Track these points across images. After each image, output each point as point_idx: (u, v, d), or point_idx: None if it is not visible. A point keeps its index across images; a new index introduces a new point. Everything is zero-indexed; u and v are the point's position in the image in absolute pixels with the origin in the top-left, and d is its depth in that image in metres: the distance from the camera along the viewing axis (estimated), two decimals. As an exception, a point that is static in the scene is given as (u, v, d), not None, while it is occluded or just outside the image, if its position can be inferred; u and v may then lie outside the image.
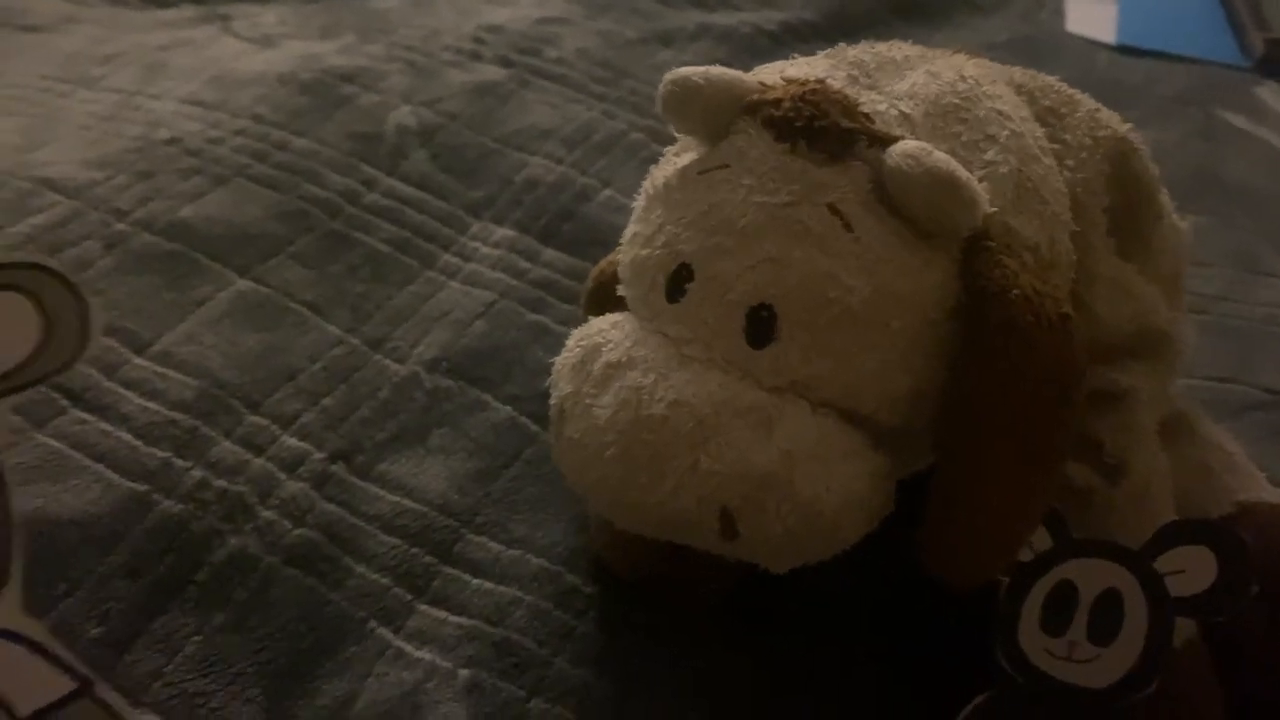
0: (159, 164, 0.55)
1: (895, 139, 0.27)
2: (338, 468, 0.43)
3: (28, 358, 0.24)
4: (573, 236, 0.56)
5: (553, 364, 0.49)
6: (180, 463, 0.41)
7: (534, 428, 0.46)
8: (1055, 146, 0.33)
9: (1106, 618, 0.32)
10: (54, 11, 0.73)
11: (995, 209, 0.28)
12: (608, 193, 0.59)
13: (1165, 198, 0.37)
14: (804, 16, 0.80)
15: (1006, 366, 0.25)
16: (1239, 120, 0.75)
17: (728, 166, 0.28)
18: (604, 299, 0.45)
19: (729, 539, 0.27)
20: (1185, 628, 0.34)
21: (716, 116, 0.29)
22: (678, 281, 0.28)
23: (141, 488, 0.39)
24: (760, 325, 0.27)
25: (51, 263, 0.23)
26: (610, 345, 0.28)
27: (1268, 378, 0.52)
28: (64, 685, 0.24)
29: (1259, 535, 0.37)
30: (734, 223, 0.27)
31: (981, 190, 0.27)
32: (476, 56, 0.69)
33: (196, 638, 0.36)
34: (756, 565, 0.39)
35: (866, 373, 0.27)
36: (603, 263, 0.47)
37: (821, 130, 0.27)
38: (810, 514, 0.26)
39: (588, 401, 0.28)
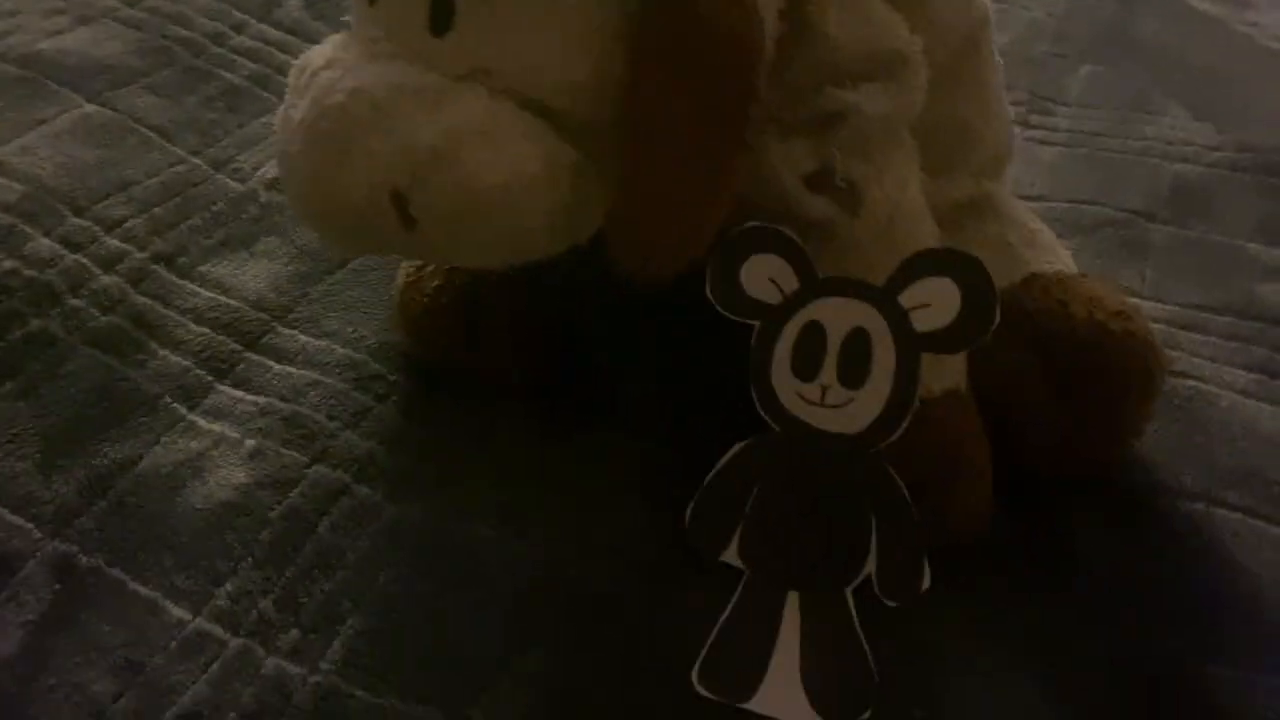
0: (24, 3, 0.55)
1: None
2: (158, 267, 0.43)
3: None
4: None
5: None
6: (-7, 256, 0.41)
7: (368, 242, 0.46)
8: None
9: (856, 359, 0.32)
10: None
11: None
12: None
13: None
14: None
15: (679, 28, 0.24)
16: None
17: None
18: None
19: (408, 228, 0.26)
20: (948, 375, 0.34)
21: None
22: (374, -18, 0.28)
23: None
24: (440, 11, 0.26)
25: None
26: (317, 55, 0.28)
27: (1128, 201, 0.51)
28: None
29: (1042, 296, 0.36)
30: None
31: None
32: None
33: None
34: (554, 357, 0.40)
35: (544, 55, 0.26)
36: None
37: None
38: (476, 190, 0.26)
39: (290, 112, 0.28)
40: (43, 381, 0.38)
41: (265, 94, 0.53)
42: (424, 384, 0.40)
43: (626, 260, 0.27)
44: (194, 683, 0.30)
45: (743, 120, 0.25)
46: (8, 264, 0.41)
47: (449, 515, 0.35)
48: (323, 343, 0.41)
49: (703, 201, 0.26)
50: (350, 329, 0.42)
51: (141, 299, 0.42)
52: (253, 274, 0.44)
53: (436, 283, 0.38)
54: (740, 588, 0.33)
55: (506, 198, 0.26)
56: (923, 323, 0.31)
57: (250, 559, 0.34)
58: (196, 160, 0.49)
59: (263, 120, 0.52)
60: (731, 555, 0.33)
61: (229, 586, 0.33)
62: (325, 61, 0.28)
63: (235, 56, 0.55)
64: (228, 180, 0.48)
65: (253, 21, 0.58)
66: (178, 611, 0.32)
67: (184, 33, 0.56)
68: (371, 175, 0.26)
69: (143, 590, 0.33)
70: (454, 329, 0.38)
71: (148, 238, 0.44)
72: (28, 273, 0.41)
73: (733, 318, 0.32)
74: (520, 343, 0.38)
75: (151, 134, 0.49)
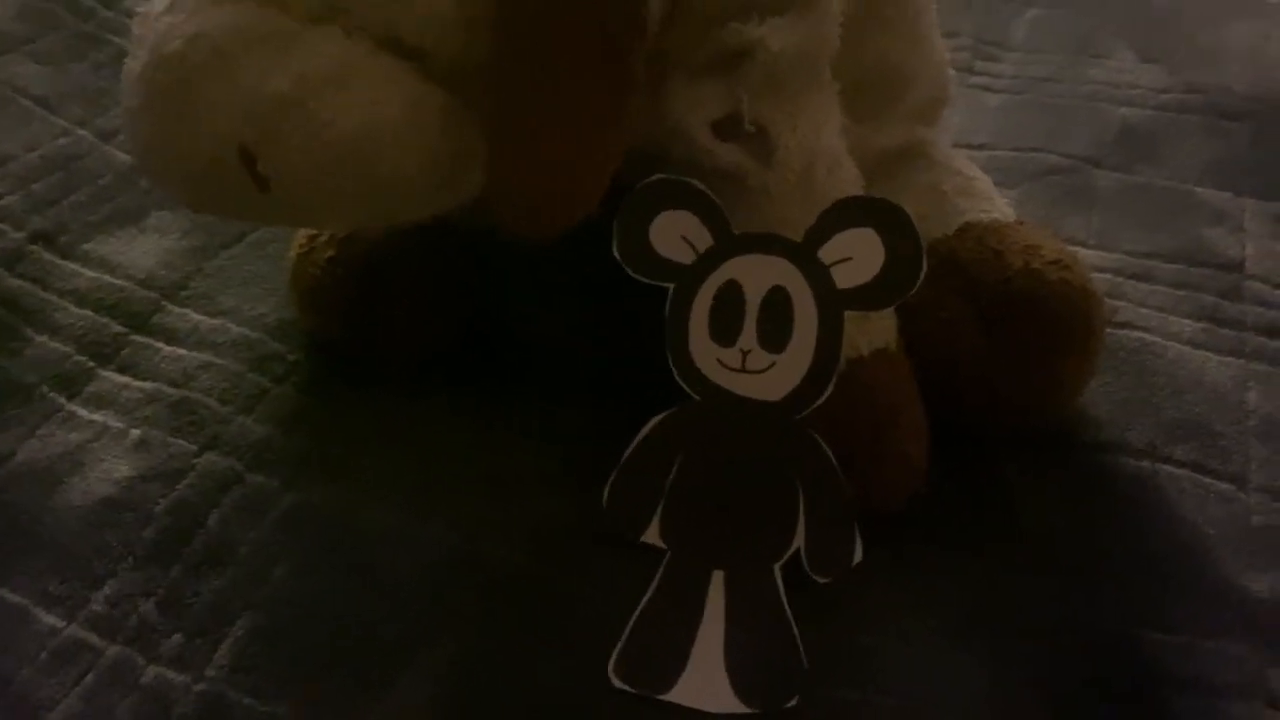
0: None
1: None
2: (36, 247, 0.40)
3: None
4: None
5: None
6: None
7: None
8: None
9: (777, 320, 0.30)
10: None
11: None
12: None
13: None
14: None
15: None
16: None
17: None
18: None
19: (261, 188, 0.24)
20: (877, 333, 0.31)
21: None
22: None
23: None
24: None
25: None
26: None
27: (1074, 147, 0.49)
28: None
29: (976, 246, 0.34)
30: None
31: None
32: None
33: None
34: (460, 329, 0.37)
35: None
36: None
37: None
38: (329, 139, 0.23)
39: (131, 64, 0.25)
40: (-97, 374, 0.35)
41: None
42: (325, 363, 0.37)
43: (508, 217, 0.25)
44: (65, 696, 0.28)
45: (631, 54, 0.23)
46: None
47: (351, 503, 0.33)
48: (217, 321, 0.38)
49: (589, 150, 0.24)
50: (248, 306, 0.39)
51: (17, 282, 0.39)
52: (142, 250, 0.41)
53: (329, 253, 0.35)
54: (661, 570, 0.30)
55: (364, 146, 0.24)
56: (845, 278, 0.29)
57: (131, 558, 0.31)
58: (82, 132, 0.45)
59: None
60: (653, 535, 0.31)
61: (106, 590, 0.30)
62: (167, 5, 0.25)
63: (128, 20, 0.51)
64: (115, 152, 0.45)
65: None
66: (49, 619, 0.29)
67: (73, -4, 0.52)
68: (215, 129, 0.23)
69: (11, 597, 0.30)
70: (350, 302, 0.35)
71: (25, 216, 0.41)
72: (-114, 257, 0.38)
73: (644, 280, 0.30)
74: (422, 315, 0.36)
75: (32, 105, 0.46)
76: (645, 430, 0.31)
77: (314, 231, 0.36)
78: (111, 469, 0.33)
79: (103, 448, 0.34)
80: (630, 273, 0.30)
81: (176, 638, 0.29)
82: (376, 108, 0.24)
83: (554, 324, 0.38)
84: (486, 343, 0.38)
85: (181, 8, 0.24)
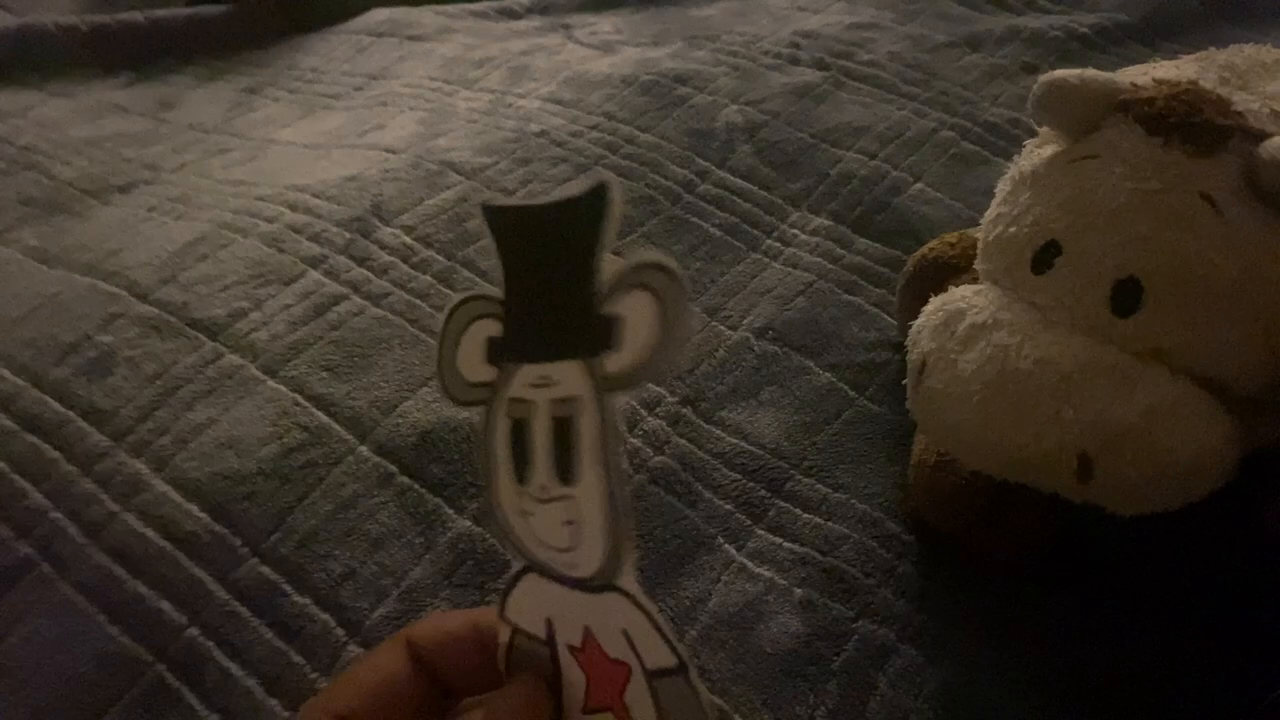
0: (532, 152, 0.65)
1: (1267, 134, 0.30)
2: (686, 410, 0.50)
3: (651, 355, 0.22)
4: (884, 227, 0.61)
5: (866, 339, 0.54)
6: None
7: (852, 393, 0.51)
8: None
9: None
10: (434, 23, 0.87)
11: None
12: (918, 186, 0.64)
13: None
14: (1118, 19, 0.80)
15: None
16: None
17: (1098, 157, 0.32)
18: (921, 283, 0.49)
19: (1083, 482, 0.30)
20: None
21: (1087, 113, 0.33)
22: (1045, 256, 0.32)
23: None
24: (1127, 296, 0.30)
25: (672, 264, 0.21)
26: (975, 309, 0.33)
27: None
28: (669, 658, 0.24)
29: None
30: (1105, 204, 0.31)
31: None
32: (794, 60, 0.75)
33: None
34: (1066, 536, 0.43)
35: (1226, 345, 0.29)
36: (922, 249, 0.52)
37: (1195, 125, 0.30)
38: (1165, 466, 0.29)
39: (952, 357, 0.32)
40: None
41: (735, 241, 0.60)
42: (936, 548, 0.44)
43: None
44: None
45: None
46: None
47: (992, 683, 0.39)
48: (841, 495, 0.46)
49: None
50: (862, 483, 0.47)
51: (681, 441, 0.48)
52: (764, 422, 0.50)
53: (970, 470, 0.42)
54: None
55: (1190, 472, 0.30)
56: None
57: (824, 708, 0.39)
58: (694, 309, 0.56)
59: (738, 268, 0.58)
60: None
61: None
62: (989, 319, 0.32)
63: (704, 204, 0.62)
64: (722, 327, 0.55)
65: (714, 168, 0.65)
66: None
67: (662, 181, 0.63)
68: (1062, 439, 0.30)
69: None
70: (982, 512, 0.42)
71: (673, 382, 0.51)
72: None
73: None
74: (1039, 530, 0.42)
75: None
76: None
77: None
78: (787, 623, 0.42)
79: (775, 601, 0.42)
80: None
81: (877, 786, 0.36)
82: (1205, 441, 0.30)
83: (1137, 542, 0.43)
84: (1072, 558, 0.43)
85: (1011, 327, 0.31)
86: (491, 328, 0.24)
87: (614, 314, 0.22)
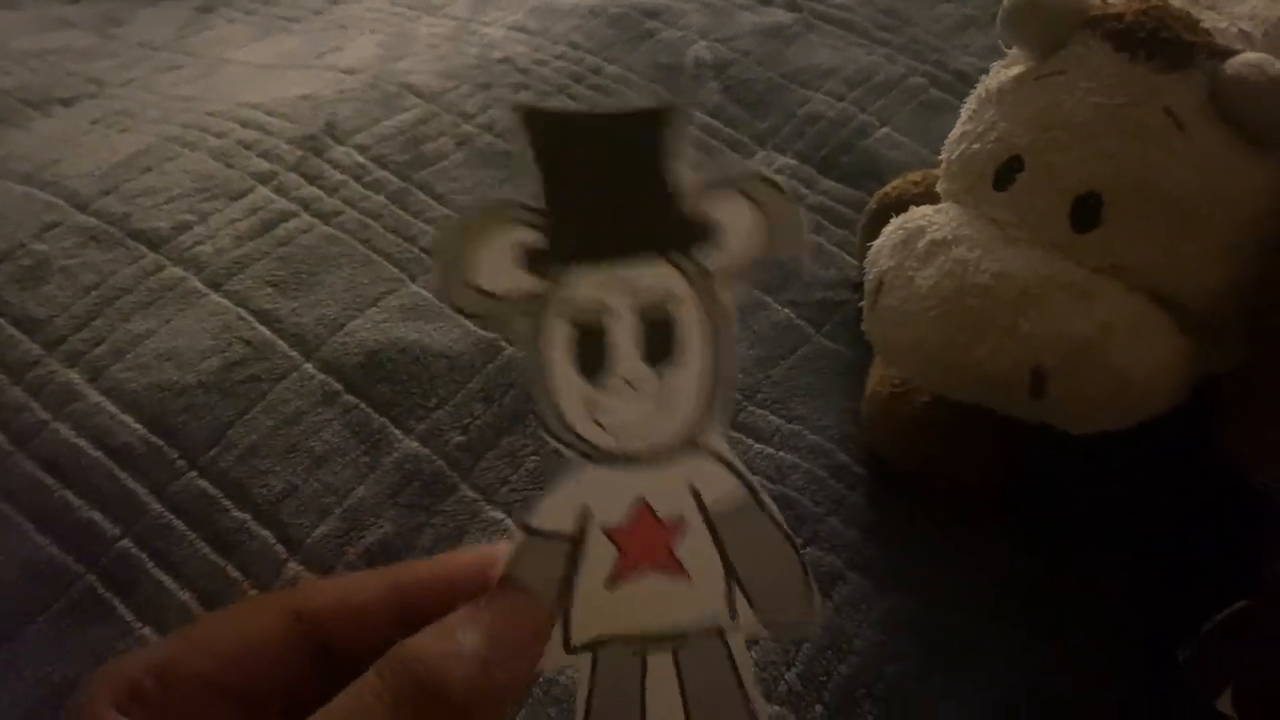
0: (495, 78, 0.63)
1: (1235, 51, 0.29)
2: None
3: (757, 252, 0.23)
4: (849, 168, 0.60)
5: (825, 278, 0.53)
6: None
7: (809, 330, 0.51)
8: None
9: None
10: (398, -50, 0.84)
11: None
12: (884, 130, 0.63)
13: None
14: (1091, -26, 0.79)
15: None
16: None
17: (1064, 73, 0.31)
18: (884, 220, 0.49)
19: (1036, 398, 0.30)
20: None
21: (1055, 30, 0.32)
22: (1008, 172, 0.32)
23: (491, 336, 0.47)
24: (1087, 211, 0.30)
25: (769, 173, 0.23)
26: (935, 227, 0.32)
27: None
28: (738, 492, 0.25)
29: None
30: (1069, 119, 0.30)
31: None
32: (766, 1, 0.73)
33: (534, 456, 0.43)
34: (1021, 467, 0.43)
35: (1185, 261, 0.29)
36: (885, 188, 0.51)
37: (1163, 41, 0.30)
38: (1120, 382, 0.29)
39: (910, 274, 0.32)
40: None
41: (700, 175, 0.59)
42: (885, 480, 0.44)
43: (1238, 456, 0.30)
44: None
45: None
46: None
47: (942, 607, 0.39)
48: (794, 427, 0.46)
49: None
50: (815, 416, 0.46)
51: None
52: (721, 355, 0.49)
53: (925, 399, 0.41)
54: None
55: (1144, 389, 0.30)
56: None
57: None
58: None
59: (702, 201, 0.57)
60: (1224, 704, 0.36)
61: (752, 654, 0.38)
62: (950, 236, 0.32)
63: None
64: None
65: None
66: None
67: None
68: (1017, 353, 0.30)
69: None
70: (938, 442, 0.41)
71: None
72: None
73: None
74: (995, 458, 0.42)
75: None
76: (1222, 615, 0.36)
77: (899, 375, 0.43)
78: None
79: None
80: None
81: (818, 709, 0.36)
82: (1157, 357, 0.30)
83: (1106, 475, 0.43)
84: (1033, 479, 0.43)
85: (971, 242, 0.31)
86: (524, 235, 0.23)
87: (704, 213, 0.23)
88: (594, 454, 0.25)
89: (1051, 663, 0.38)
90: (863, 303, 0.38)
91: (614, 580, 0.25)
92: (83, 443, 0.41)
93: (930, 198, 0.45)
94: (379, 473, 0.42)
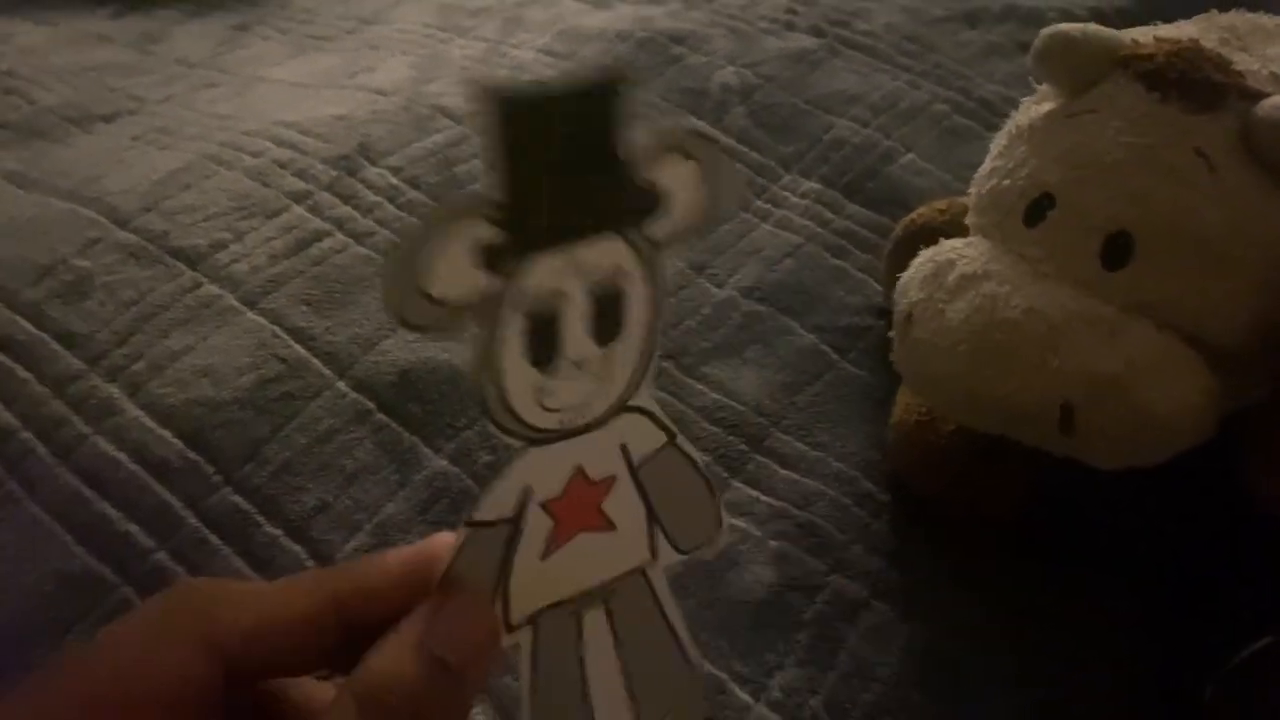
0: (525, 102, 0.64)
1: (1267, 94, 0.30)
2: (669, 364, 0.50)
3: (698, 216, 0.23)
4: (874, 194, 0.61)
5: (851, 303, 0.54)
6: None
7: (834, 356, 0.51)
8: None
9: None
10: (430, -28, 0.85)
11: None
12: (909, 157, 0.63)
13: None
14: (1116, 3, 0.80)
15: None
16: None
17: (1095, 111, 0.32)
18: (909, 247, 0.49)
19: (1064, 433, 0.30)
20: None
21: (1087, 69, 0.33)
22: (1039, 209, 0.32)
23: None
24: (1117, 249, 0.30)
25: (705, 128, 0.23)
26: (965, 260, 0.33)
27: None
28: (657, 437, 0.26)
29: None
30: (1100, 158, 0.31)
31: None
32: (790, 26, 0.74)
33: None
34: (1042, 495, 0.43)
35: (1214, 300, 0.30)
36: (911, 215, 0.52)
37: (1194, 82, 0.30)
38: (1147, 419, 0.29)
39: (940, 306, 0.32)
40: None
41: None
42: (909, 507, 0.44)
43: (1266, 489, 0.30)
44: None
45: None
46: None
47: (963, 634, 0.39)
48: (818, 454, 0.46)
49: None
50: (839, 443, 0.47)
51: (662, 394, 0.48)
52: (746, 380, 0.49)
53: (951, 427, 0.42)
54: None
55: (1171, 427, 0.30)
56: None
57: (793, 657, 0.39)
58: (680, 264, 0.55)
59: (727, 228, 0.58)
60: None
61: (779, 680, 0.38)
62: (980, 270, 0.32)
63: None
64: (708, 285, 0.54)
65: (708, 129, 0.64)
66: (742, 695, 0.38)
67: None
68: (1045, 389, 0.30)
69: (710, 668, 0.39)
70: (963, 470, 0.42)
71: None
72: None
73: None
74: (1019, 487, 0.42)
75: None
76: (1248, 651, 0.36)
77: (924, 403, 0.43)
78: (761, 574, 0.42)
79: (749, 552, 0.42)
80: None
81: (843, 735, 0.37)
82: (1186, 396, 0.30)
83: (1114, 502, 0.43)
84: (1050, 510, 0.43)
85: (1001, 278, 0.31)
86: (482, 232, 0.22)
87: (652, 182, 0.23)
88: (537, 437, 0.25)
89: (1068, 692, 0.38)
90: (890, 331, 0.38)
91: (547, 551, 0.25)
92: (122, 456, 0.42)
93: (955, 226, 0.46)
94: (409, 490, 0.43)
